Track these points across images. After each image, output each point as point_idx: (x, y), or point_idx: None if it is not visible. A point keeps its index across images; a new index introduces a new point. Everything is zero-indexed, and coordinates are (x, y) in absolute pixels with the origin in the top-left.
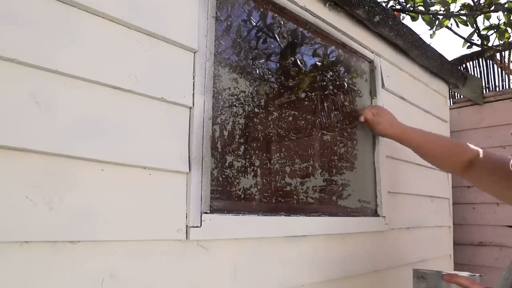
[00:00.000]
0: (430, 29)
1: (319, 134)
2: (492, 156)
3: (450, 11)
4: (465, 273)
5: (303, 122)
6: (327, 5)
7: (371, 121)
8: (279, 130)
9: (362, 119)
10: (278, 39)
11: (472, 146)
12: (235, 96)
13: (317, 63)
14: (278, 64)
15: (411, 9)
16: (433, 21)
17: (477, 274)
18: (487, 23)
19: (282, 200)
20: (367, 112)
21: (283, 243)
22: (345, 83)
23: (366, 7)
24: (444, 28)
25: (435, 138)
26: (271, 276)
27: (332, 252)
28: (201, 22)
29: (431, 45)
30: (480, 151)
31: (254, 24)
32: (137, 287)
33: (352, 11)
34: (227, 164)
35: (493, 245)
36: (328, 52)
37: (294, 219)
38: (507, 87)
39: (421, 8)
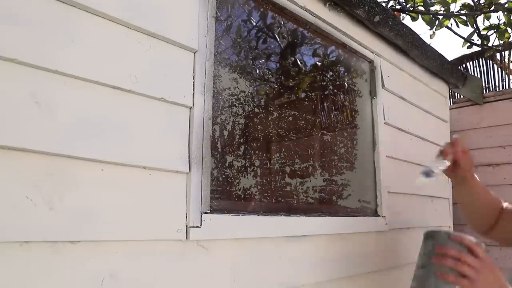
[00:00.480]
0: (430, 29)
1: (319, 134)
2: None
3: (450, 11)
4: (471, 238)
5: (303, 122)
6: (327, 5)
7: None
8: (279, 130)
9: (454, 159)
10: (278, 39)
11: (499, 200)
12: (235, 96)
13: (317, 63)
14: (278, 64)
15: (411, 9)
16: (433, 21)
17: (482, 243)
18: (487, 23)
19: (282, 200)
20: (462, 155)
21: (283, 243)
22: (345, 83)
23: (366, 7)
24: (444, 28)
25: (487, 193)
26: (271, 276)
27: (332, 252)
28: (201, 22)
29: (431, 45)
30: (505, 204)
31: (254, 24)
32: (137, 287)
33: (352, 11)
34: (227, 164)
35: (493, 245)
36: (328, 52)
37: (294, 219)
38: (507, 87)
39: (421, 8)
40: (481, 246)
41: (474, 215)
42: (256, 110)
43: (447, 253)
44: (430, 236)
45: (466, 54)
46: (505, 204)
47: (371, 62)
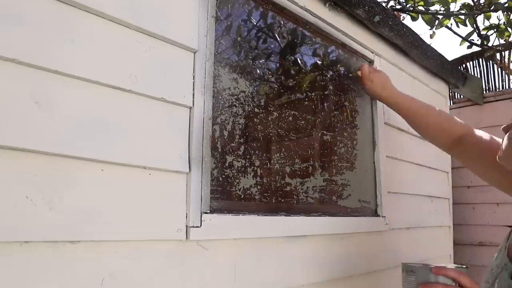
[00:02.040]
0: (430, 29)
1: (319, 134)
2: (481, 137)
3: (450, 10)
4: (452, 265)
5: (303, 122)
6: (327, 5)
7: (365, 76)
8: (279, 130)
9: (359, 74)
10: (278, 39)
11: (462, 123)
12: (235, 96)
13: (317, 62)
14: (278, 64)
15: (411, 9)
16: (433, 21)
17: (464, 266)
18: (487, 23)
19: (282, 200)
20: (365, 68)
21: (283, 243)
22: (345, 83)
23: (366, 7)
24: (444, 28)
25: (428, 110)
26: (271, 276)
27: (332, 252)
28: (201, 22)
29: (431, 45)
30: (471, 129)
31: (254, 24)
32: (137, 287)
33: (352, 11)
34: (227, 164)
35: (493, 245)
36: (328, 52)
37: (294, 219)
38: (507, 87)
39: (421, 8)
40: (465, 272)
41: (421, 132)
42: (256, 110)
43: None
44: (411, 271)
45: (466, 54)
46: (473, 132)
47: (371, 62)
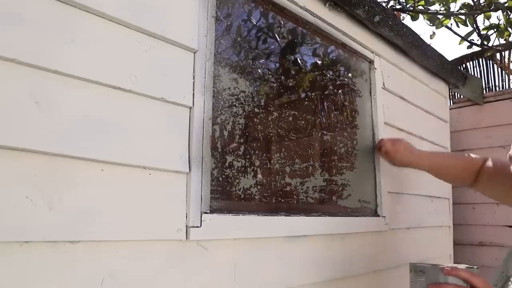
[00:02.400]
0: (432, 25)
1: (319, 134)
2: (495, 164)
3: (450, 10)
4: (462, 266)
5: (303, 122)
6: (327, 5)
7: (391, 150)
8: (279, 130)
9: (383, 150)
10: (278, 39)
11: (477, 157)
12: (235, 96)
13: (318, 62)
14: (278, 64)
15: (411, 8)
16: (435, 18)
17: (475, 267)
18: (487, 23)
19: (282, 200)
20: (386, 142)
21: (283, 243)
22: (345, 83)
23: (366, 7)
24: (444, 28)
25: (447, 159)
26: (271, 276)
27: (332, 252)
28: (201, 22)
29: (431, 45)
30: (487, 158)
31: (254, 24)
32: (137, 287)
33: (352, 11)
34: (227, 164)
35: (493, 245)
36: (328, 52)
37: (294, 219)
38: (507, 87)
39: (421, 7)
40: (476, 273)
41: (445, 179)
42: (256, 110)
43: None
44: (420, 271)
45: (466, 54)
46: (488, 162)
47: (371, 62)
